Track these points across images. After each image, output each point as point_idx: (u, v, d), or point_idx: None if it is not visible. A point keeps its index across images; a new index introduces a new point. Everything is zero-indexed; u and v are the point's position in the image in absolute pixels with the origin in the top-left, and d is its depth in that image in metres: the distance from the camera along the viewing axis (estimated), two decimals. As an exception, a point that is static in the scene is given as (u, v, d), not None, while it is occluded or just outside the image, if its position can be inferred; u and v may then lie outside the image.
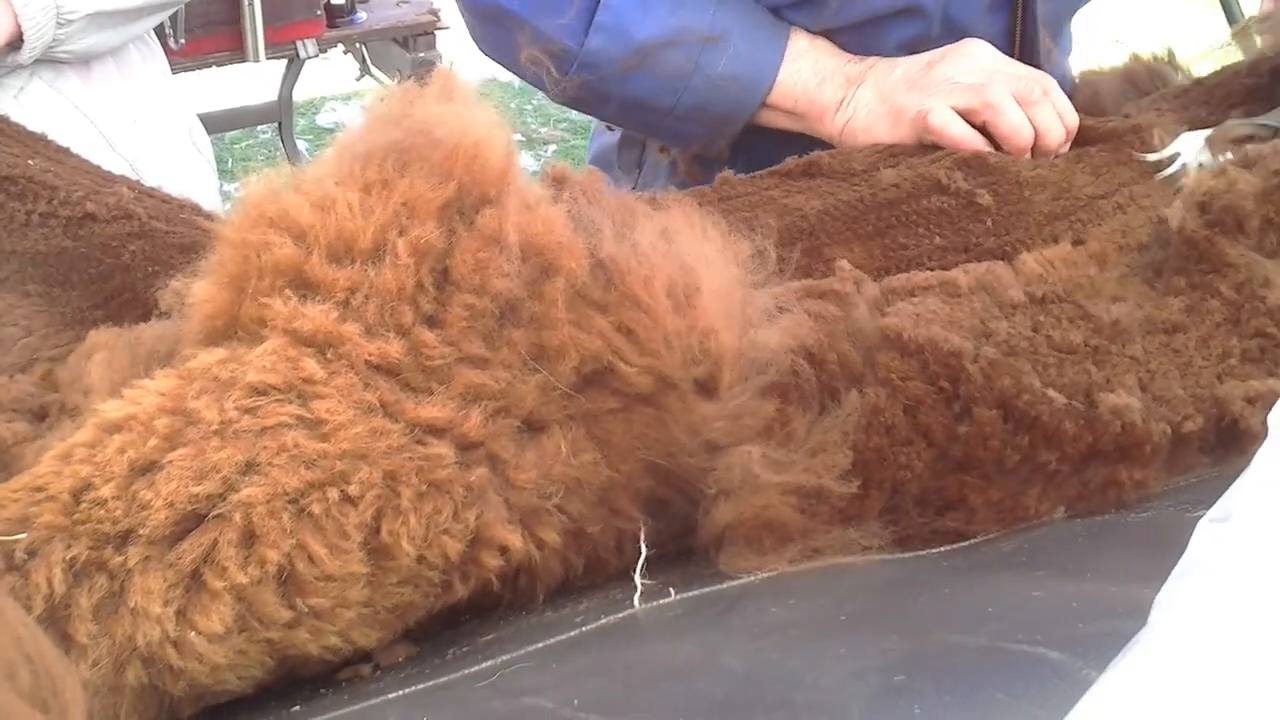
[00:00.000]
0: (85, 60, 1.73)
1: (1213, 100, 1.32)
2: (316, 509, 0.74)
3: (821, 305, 0.94)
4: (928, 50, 1.29)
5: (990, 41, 1.29)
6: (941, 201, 1.12)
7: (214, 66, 4.16)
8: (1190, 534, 0.50)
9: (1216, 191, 1.00)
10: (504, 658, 0.76)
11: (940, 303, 0.94)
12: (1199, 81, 1.39)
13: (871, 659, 0.63)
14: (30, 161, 1.08)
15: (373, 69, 4.87)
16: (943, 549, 0.85)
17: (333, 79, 5.61)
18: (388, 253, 0.81)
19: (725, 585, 0.79)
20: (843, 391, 0.88)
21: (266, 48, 4.21)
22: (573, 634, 0.78)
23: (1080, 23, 1.54)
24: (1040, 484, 0.88)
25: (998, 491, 0.87)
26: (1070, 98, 1.28)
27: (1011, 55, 1.32)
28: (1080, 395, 0.88)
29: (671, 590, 0.80)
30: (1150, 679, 0.45)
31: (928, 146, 1.23)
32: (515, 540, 0.80)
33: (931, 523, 0.87)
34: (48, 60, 1.68)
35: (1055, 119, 1.23)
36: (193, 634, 0.72)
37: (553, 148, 5.67)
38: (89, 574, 0.71)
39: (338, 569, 0.75)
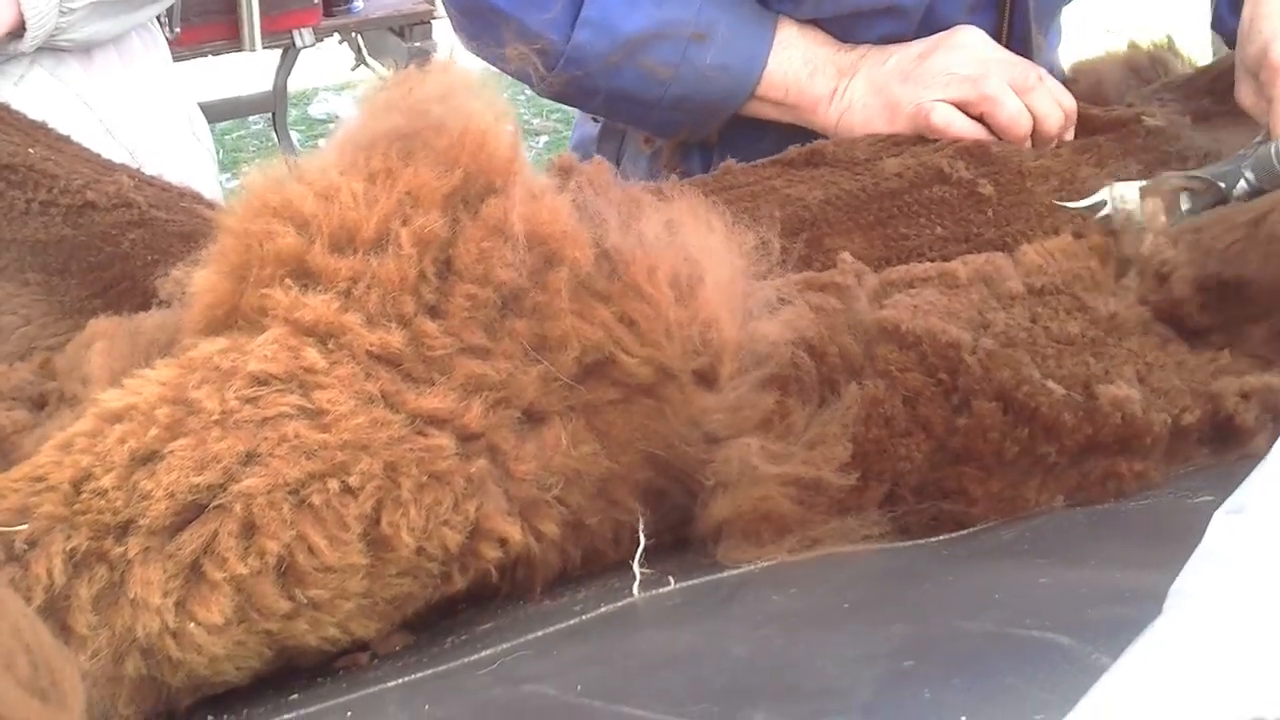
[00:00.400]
0: (87, 48, 1.72)
1: (1216, 90, 1.31)
2: (317, 500, 0.74)
3: (822, 298, 0.93)
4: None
5: None
6: (943, 191, 1.12)
7: (210, 55, 4.15)
8: (1191, 520, 0.50)
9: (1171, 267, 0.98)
10: (503, 646, 0.76)
11: (938, 294, 0.94)
12: (1203, 70, 1.39)
13: (877, 645, 0.63)
14: (30, 150, 1.08)
15: (368, 58, 4.87)
16: (941, 538, 0.85)
17: (326, 70, 5.60)
18: (391, 242, 0.80)
19: (725, 574, 0.79)
20: (843, 384, 0.88)
21: (262, 36, 4.20)
22: (572, 623, 0.78)
23: (1070, 13, 1.53)
24: (1040, 475, 0.88)
25: (997, 483, 0.87)
26: (1066, 87, 1.28)
27: None
28: (1079, 386, 0.88)
29: (671, 579, 0.80)
30: (1165, 666, 0.45)
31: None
32: (515, 532, 0.80)
33: (930, 511, 0.87)
34: (49, 48, 1.67)
35: (1053, 104, 1.23)
36: (192, 625, 0.72)
37: (545, 139, 5.66)
38: (89, 564, 0.71)
39: (337, 560, 0.75)
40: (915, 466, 0.86)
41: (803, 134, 1.29)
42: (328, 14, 4.55)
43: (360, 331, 0.79)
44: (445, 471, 0.78)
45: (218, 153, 2.21)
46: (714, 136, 1.40)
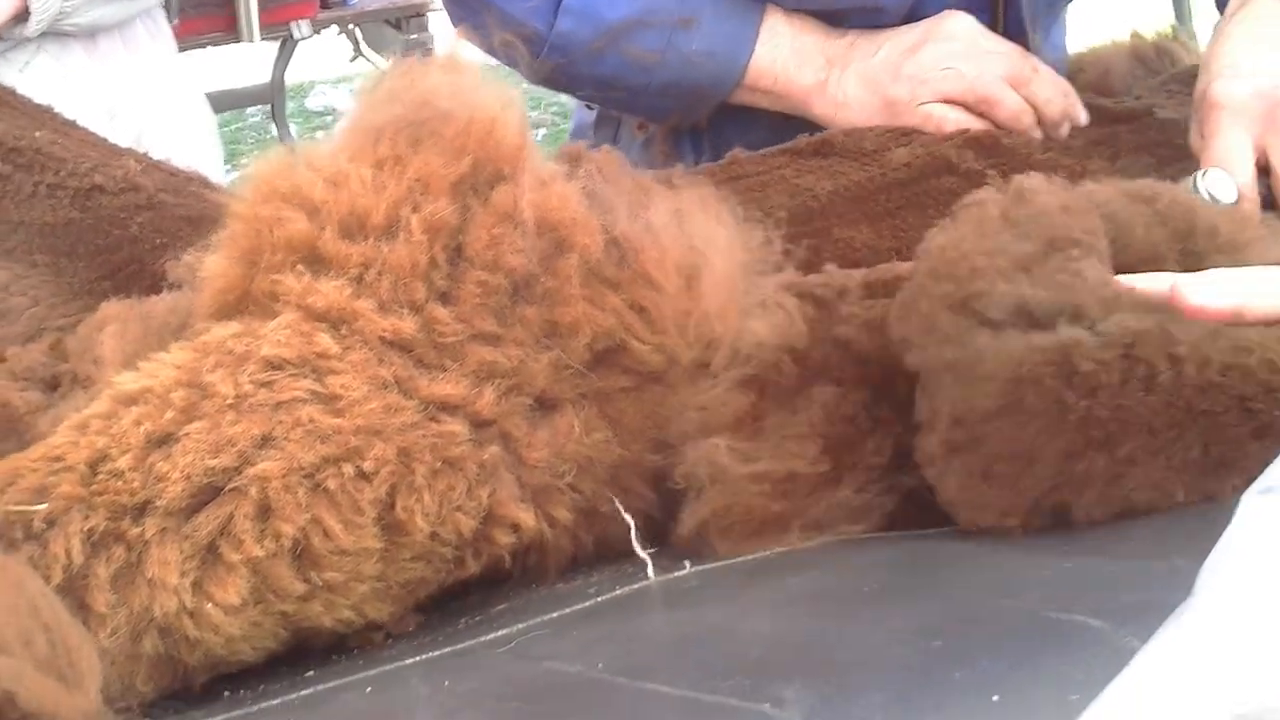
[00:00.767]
0: (91, 34, 1.72)
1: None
2: (331, 484, 0.74)
3: (804, 306, 0.92)
4: None
5: None
6: (951, 182, 1.12)
7: (208, 47, 4.15)
8: (1220, 507, 0.51)
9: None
10: (519, 626, 0.76)
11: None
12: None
13: (905, 625, 0.63)
14: (37, 133, 1.08)
15: (365, 50, 4.86)
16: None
17: (322, 62, 5.59)
18: (401, 229, 0.81)
19: (740, 559, 0.79)
20: (817, 389, 0.87)
21: (260, 28, 4.20)
22: (587, 604, 0.78)
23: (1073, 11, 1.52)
24: None
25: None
26: (1073, 78, 1.28)
27: None
28: None
29: (687, 563, 0.80)
30: (1196, 649, 0.45)
31: None
32: (527, 518, 0.80)
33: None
34: (54, 34, 1.67)
35: (1054, 90, 1.22)
36: (209, 605, 0.72)
37: (543, 131, 5.65)
38: (107, 544, 0.72)
39: (352, 544, 0.75)
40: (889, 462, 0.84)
41: (790, 122, 1.28)
42: (325, 6, 4.55)
43: (372, 317, 0.79)
44: (458, 457, 0.78)
45: (216, 145, 2.22)
46: (704, 123, 1.39)
